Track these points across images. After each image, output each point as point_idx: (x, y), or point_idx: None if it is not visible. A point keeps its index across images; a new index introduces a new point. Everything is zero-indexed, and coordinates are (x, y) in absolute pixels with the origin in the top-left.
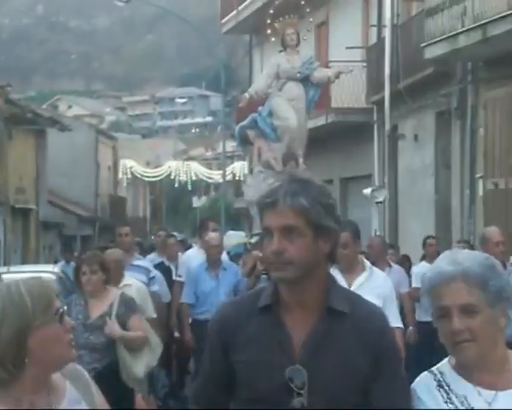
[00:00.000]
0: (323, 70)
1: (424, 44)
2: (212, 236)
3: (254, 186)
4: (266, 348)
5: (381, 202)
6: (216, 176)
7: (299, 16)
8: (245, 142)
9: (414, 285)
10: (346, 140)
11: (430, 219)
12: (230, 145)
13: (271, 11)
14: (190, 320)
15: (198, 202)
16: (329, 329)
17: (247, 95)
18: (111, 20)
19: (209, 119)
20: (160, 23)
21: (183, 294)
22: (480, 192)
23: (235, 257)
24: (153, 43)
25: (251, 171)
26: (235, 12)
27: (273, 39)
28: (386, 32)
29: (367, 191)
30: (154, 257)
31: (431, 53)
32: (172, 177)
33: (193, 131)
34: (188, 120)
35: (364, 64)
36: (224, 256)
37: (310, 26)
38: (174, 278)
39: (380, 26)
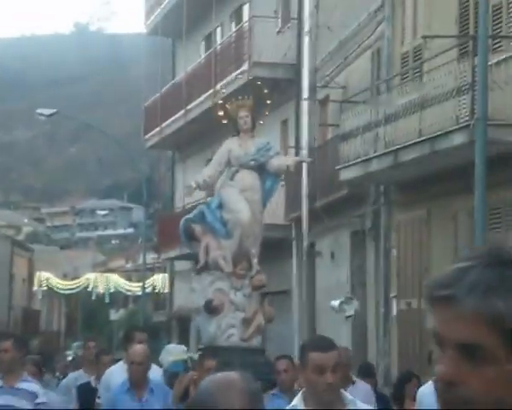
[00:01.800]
0: (282, 158)
1: (339, 167)
2: (135, 349)
3: (201, 291)
4: None
5: (350, 317)
6: (135, 288)
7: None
8: (190, 238)
9: None
10: (265, 256)
11: (347, 337)
12: (151, 257)
13: (223, 91)
14: None
15: (115, 315)
16: None
17: (193, 184)
18: (33, 132)
19: (130, 231)
20: (84, 137)
21: None
22: (394, 311)
23: (171, 377)
24: (75, 155)
25: (172, 282)
26: (158, 128)
27: (224, 121)
28: (304, 154)
29: (335, 303)
30: (79, 375)
31: (346, 175)
32: (90, 289)
33: (113, 242)
34: (108, 232)
35: (283, 183)
36: (157, 374)
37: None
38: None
39: (297, 147)
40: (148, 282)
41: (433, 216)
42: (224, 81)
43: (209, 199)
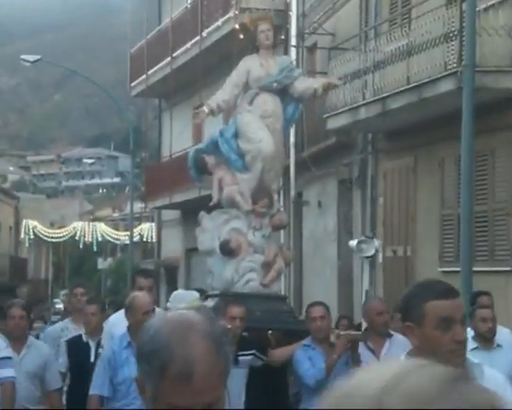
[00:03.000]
0: (308, 80)
1: (327, 115)
2: (137, 296)
3: (212, 231)
4: None
5: (370, 257)
6: (123, 237)
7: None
8: (201, 171)
9: None
10: None
11: (333, 285)
12: (138, 206)
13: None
14: None
15: (103, 263)
16: None
17: (205, 108)
18: (17, 79)
19: (117, 180)
20: (69, 84)
21: (93, 381)
22: (380, 259)
23: None
24: (60, 103)
25: (159, 231)
26: (144, 76)
27: (241, 36)
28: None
29: (352, 243)
30: (65, 325)
31: (333, 124)
32: (77, 237)
33: (100, 191)
34: (95, 181)
35: None
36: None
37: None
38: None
39: None
40: (136, 231)
41: (420, 164)
42: (211, 28)
43: (223, 127)
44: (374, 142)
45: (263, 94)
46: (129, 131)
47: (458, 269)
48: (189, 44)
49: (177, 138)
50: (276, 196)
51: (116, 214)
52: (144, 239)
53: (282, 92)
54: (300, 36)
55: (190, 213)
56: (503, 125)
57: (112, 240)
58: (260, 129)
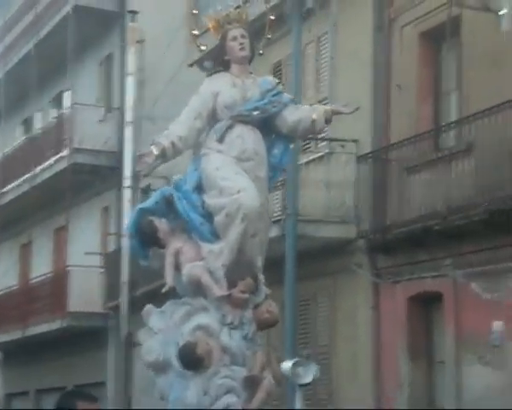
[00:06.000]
0: (302, 108)
1: None
2: None
3: (166, 332)
4: None
5: (306, 385)
6: None
7: None
8: (148, 241)
9: None
10: (82, 345)
11: None
12: None
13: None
14: None
15: None
16: None
17: (154, 150)
18: None
19: None
20: None
21: None
22: None
23: None
24: None
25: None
26: None
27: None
28: (124, 241)
29: (286, 366)
30: None
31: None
32: None
33: None
34: None
35: (102, 270)
36: None
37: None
38: None
39: (119, 234)
40: None
41: None
42: (43, 166)
43: (178, 176)
44: None
45: (238, 126)
46: None
47: None
48: (20, 180)
49: (2, 276)
50: (260, 275)
51: None
52: None
53: (264, 126)
54: (136, 177)
55: (12, 355)
56: (324, 272)
57: None
58: (239, 175)
